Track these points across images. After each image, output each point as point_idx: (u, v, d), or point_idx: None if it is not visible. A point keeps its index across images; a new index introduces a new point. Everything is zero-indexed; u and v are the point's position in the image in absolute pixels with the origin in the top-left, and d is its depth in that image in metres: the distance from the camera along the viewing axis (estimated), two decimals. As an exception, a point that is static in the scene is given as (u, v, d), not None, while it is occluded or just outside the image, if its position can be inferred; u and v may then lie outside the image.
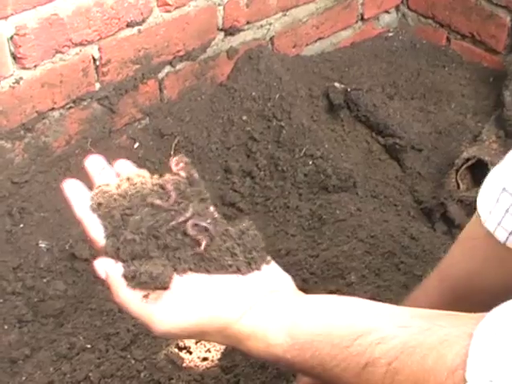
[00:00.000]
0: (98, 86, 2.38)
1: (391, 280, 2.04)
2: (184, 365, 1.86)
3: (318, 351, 0.90)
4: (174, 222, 1.01)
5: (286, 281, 1.02)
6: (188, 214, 1.02)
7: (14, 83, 2.16)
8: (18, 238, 2.19)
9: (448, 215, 2.43)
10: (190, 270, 0.99)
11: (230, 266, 0.99)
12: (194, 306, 0.95)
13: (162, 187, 1.05)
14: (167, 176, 1.07)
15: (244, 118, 2.59)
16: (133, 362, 1.88)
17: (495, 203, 1.26)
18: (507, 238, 1.25)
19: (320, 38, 3.06)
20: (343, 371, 0.88)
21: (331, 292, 2.02)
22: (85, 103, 2.37)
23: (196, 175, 1.10)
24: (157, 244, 0.99)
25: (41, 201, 2.28)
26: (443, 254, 2.16)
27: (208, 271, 0.99)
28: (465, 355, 0.78)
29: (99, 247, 1.01)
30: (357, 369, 0.87)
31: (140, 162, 2.46)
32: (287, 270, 2.05)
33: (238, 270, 0.99)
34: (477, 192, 2.38)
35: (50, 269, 2.15)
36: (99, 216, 1.02)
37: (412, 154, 2.71)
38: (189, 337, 0.99)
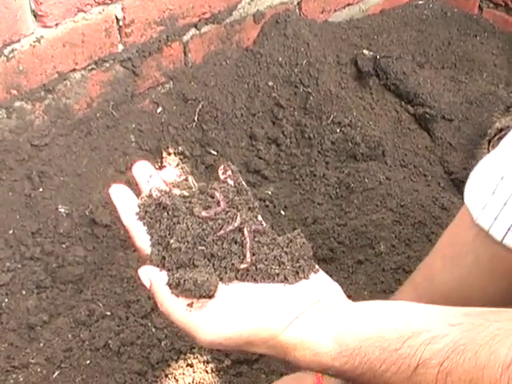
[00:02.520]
0: (120, 47, 2.31)
1: (422, 251, 1.99)
2: (206, 334, 1.81)
3: (367, 356, 0.87)
4: (221, 232, 0.99)
5: (334, 289, 0.99)
6: (236, 223, 1.00)
7: (34, 42, 2.10)
8: (37, 203, 2.14)
9: (480, 186, 2.36)
10: (236, 279, 0.97)
11: (277, 274, 0.97)
12: (239, 315, 0.92)
13: (211, 196, 1.03)
14: (215, 184, 1.06)
15: (270, 83, 2.52)
16: (153, 330, 1.84)
17: (490, 196, 1.19)
18: (505, 234, 1.19)
19: (349, 4, 2.98)
20: (394, 375, 0.85)
21: (359, 262, 1.97)
22: (107, 65, 2.31)
23: (243, 183, 1.08)
24: (203, 253, 0.98)
25: (61, 164, 2.22)
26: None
27: (255, 280, 0.97)
28: None
29: (145, 255, 0.99)
30: (408, 372, 0.83)
31: (163, 128, 2.40)
32: (314, 239, 2.02)
33: (286, 279, 0.97)
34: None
35: (70, 234, 2.10)
36: (145, 224, 1.01)
37: (442, 123, 2.64)
38: (234, 347, 0.95)
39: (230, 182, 1.07)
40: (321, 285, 0.98)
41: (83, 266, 2.05)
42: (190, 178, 1.08)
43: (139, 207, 1.01)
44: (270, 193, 2.29)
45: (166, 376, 1.75)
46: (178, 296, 0.94)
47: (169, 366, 1.77)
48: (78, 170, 2.23)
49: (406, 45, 2.96)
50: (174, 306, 0.94)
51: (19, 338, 1.89)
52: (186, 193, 1.04)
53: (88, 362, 1.79)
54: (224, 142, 2.41)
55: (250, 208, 1.05)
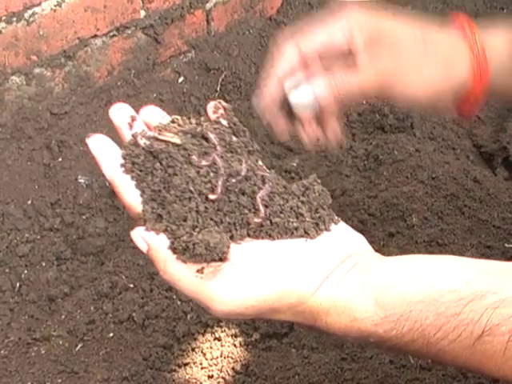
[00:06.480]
0: (143, 13, 2.25)
1: (455, 224, 1.93)
2: (234, 306, 1.75)
3: (419, 322, 0.76)
4: (225, 181, 0.85)
5: (359, 242, 0.86)
6: (243, 172, 0.86)
7: (55, 6, 2.04)
8: (56, 173, 2.09)
9: (511, 160, 2.30)
10: (249, 236, 0.84)
11: (296, 228, 0.84)
12: (260, 279, 0.79)
13: (205, 138, 0.88)
14: (206, 124, 0.90)
15: (294, 54, 2.46)
16: (179, 302, 1.78)
17: None
18: None
19: (373, -25, 2.91)
20: (452, 343, 0.75)
21: (391, 234, 1.91)
22: (129, 31, 2.24)
23: (239, 123, 0.92)
24: (207, 208, 0.83)
25: (81, 134, 2.16)
26: (508, 199, 2.05)
27: (270, 236, 0.84)
28: None
29: (136, 214, 0.84)
30: (470, 340, 0.74)
31: (184, 98, 2.34)
32: (343, 211, 1.96)
33: (306, 233, 0.84)
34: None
35: (90, 205, 2.06)
36: (134, 178, 0.85)
37: (470, 97, 2.57)
38: (255, 316, 0.81)
39: (224, 122, 0.91)
40: (345, 237, 0.86)
41: (104, 238, 2.00)
42: (179, 118, 0.91)
43: (124, 158, 0.85)
44: (295, 165, 2.23)
45: (193, 350, 1.69)
46: (185, 262, 0.80)
47: (195, 339, 1.71)
48: (98, 139, 2.17)
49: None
50: (180, 273, 0.80)
51: (40, 310, 1.84)
52: (176, 138, 0.87)
53: (111, 334, 1.74)
54: (247, 113, 2.34)
55: (249, 151, 0.90)
